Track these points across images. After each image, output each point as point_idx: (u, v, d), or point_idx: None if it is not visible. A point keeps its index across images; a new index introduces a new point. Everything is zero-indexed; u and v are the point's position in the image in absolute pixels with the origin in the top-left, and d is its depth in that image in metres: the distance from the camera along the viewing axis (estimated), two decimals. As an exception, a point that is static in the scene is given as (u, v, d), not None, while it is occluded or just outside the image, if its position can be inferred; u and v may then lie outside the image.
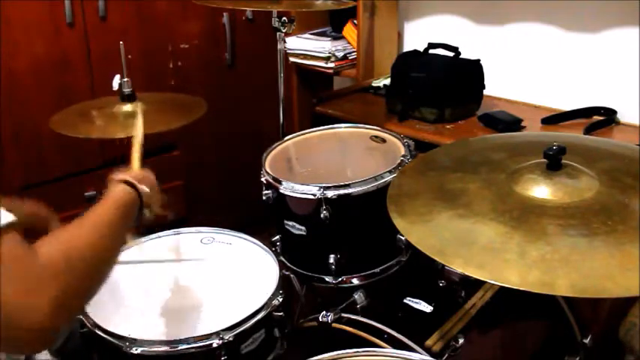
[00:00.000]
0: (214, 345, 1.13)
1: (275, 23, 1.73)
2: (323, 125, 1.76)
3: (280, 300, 1.24)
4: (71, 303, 0.77)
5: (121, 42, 1.62)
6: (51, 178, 2.09)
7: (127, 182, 1.01)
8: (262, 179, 1.51)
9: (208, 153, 2.48)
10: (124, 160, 1.83)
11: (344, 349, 1.07)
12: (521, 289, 0.83)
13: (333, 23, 2.57)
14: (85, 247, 0.82)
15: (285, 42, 1.81)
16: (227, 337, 1.13)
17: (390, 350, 1.14)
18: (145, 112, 1.64)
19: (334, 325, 1.32)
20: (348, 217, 1.43)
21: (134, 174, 1.05)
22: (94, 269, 0.84)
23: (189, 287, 1.30)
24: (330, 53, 2.37)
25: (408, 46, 2.53)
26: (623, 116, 1.96)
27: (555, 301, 1.42)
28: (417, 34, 2.49)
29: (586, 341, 1.35)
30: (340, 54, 2.39)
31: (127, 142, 1.27)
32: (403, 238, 1.45)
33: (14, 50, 1.93)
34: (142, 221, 1.03)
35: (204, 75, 2.38)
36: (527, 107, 2.14)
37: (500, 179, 1.07)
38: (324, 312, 1.32)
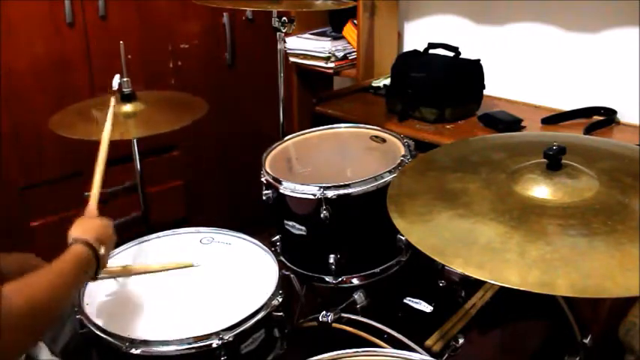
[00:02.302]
0: (214, 345, 1.13)
1: (275, 23, 1.73)
2: (323, 125, 1.76)
3: (280, 300, 1.24)
4: (28, 337, 0.95)
5: (121, 42, 1.62)
6: (51, 178, 2.09)
7: (88, 244, 1.09)
8: (262, 179, 1.51)
9: (208, 153, 2.48)
10: (124, 161, 1.84)
11: (344, 349, 1.07)
12: (521, 289, 0.83)
13: (333, 23, 2.57)
14: (47, 298, 0.96)
15: (285, 42, 1.81)
16: (227, 337, 1.13)
17: (390, 350, 1.13)
18: (144, 113, 1.65)
19: (334, 325, 1.31)
20: (348, 217, 1.43)
21: (95, 232, 1.12)
22: (51, 315, 0.99)
23: (189, 287, 1.30)
24: (330, 53, 2.37)
25: (408, 46, 2.53)
26: (623, 116, 1.96)
27: (555, 301, 1.42)
28: (417, 34, 2.49)
29: (586, 341, 1.35)
30: (340, 54, 2.39)
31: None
32: (403, 238, 1.45)
33: (14, 50, 1.93)
34: (97, 274, 1.14)
35: (204, 75, 2.38)
36: (527, 107, 2.14)
37: (500, 179, 1.07)
38: (324, 312, 1.32)
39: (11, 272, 1.16)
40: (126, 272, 1.34)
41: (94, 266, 1.10)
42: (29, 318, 0.91)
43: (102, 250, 1.11)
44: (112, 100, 1.50)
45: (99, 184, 1.27)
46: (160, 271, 1.35)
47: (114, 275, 1.33)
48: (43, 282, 0.97)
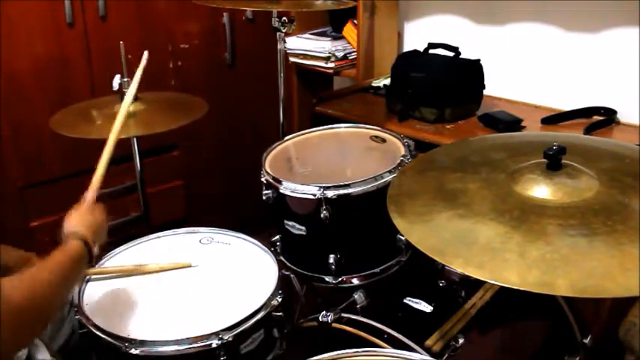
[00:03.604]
0: (214, 345, 1.13)
1: (275, 23, 1.73)
2: (323, 125, 1.76)
3: (279, 300, 1.24)
4: (27, 332, 0.95)
5: (121, 42, 1.62)
6: (51, 178, 2.09)
7: (81, 239, 1.10)
8: (262, 179, 1.51)
9: (208, 153, 2.48)
10: (124, 161, 1.84)
11: (344, 349, 1.07)
12: (521, 289, 0.83)
13: (333, 23, 2.57)
14: (46, 293, 0.97)
15: (285, 42, 1.81)
16: (226, 338, 1.13)
17: (390, 350, 1.13)
18: (145, 112, 1.65)
19: (334, 325, 1.31)
20: (348, 217, 1.43)
21: (91, 228, 1.13)
22: (49, 307, 1.00)
23: (189, 287, 1.30)
24: (330, 53, 2.37)
25: (408, 46, 2.53)
26: (623, 116, 1.96)
27: (555, 301, 1.42)
28: (417, 34, 2.49)
29: (586, 341, 1.35)
30: (340, 54, 2.39)
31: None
32: (403, 238, 1.45)
33: (14, 50, 1.93)
34: (91, 265, 1.15)
35: (204, 75, 2.38)
36: (527, 107, 2.14)
37: (500, 179, 1.07)
38: (324, 312, 1.32)
39: (13, 267, 1.16)
40: (124, 272, 1.34)
41: (86, 263, 1.11)
42: (29, 314, 0.91)
43: (95, 249, 1.13)
44: (128, 96, 1.49)
45: (101, 175, 1.26)
46: (158, 271, 1.35)
47: (112, 275, 1.33)
48: (42, 277, 0.97)
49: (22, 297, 0.90)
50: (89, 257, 1.11)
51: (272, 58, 1.81)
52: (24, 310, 0.89)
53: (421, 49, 2.11)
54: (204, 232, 1.49)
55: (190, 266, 1.35)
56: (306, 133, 1.73)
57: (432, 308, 1.34)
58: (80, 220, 1.14)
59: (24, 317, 0.90)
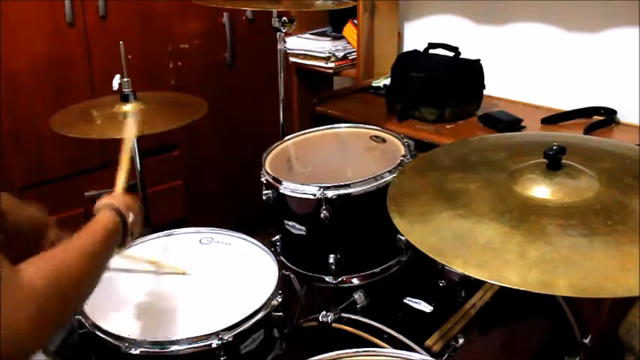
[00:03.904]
0: (213, 345, 1.12)
1: (275, 23, 1.73)
2: (323, 125, 1.76)
3: (279, 300, 1.24)
4: (52, 323, 0.80)
5: (121, 42, 1.62)
6: (51, 178, 2.09)
7: (115, 209, 1.04)
8: (262, 179, 1.51)
9: (208, 153, 2.49)
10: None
11: (344, 349, 1.07)
12: (521, 289, 0.83)
13: (333, 23, 2.57)
14: (72, 272, 0.85)
15: (285, 42, 1.81)
16: (226, 338, 1.13)
17: (390, 350, 1.13)
18: (145, 112, 1.65)
19: (334, 325, 1.31)
20: (348, 217, 1.43)
21: (121, 200, 1.07)
22: (79, 291, 0.89)
23: (188, 287, 1.30)
24: (330, 53, 2.37)
25: (408, 46, 2.53)
26: (623, 116, 1.96)
27: (555, 301, 1.42)
28: (417, 34, 2.49)
29: (586, 341, 1.35)
30: (340, 54, 2.39)
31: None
32: (403, 238, 1.45)
33: (14, 50, 1.93)
34: (124, 245, 1.07)
35: (204, 75, 2.38)
36: (527, 107, 2.14)
37: (500, 179, 1.07)
38: (324, 312, 1.32)
39: (29, 233, 1.09)
40: (123, 270, 1.34)
41: (121, 235, 1.04)
42: (54, 303, 0.80)
43: (130, 218, 1.05)
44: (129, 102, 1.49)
45: (125, 170, 1.22)
46: (152, 272, 1.34)
47: (112, 275, 1.33)
48: (70, 258, 0.86)
49: (47, 284, 0.79)
50: (125, 229, 1.04)
51: (272, 58, 1.81)
52: (49, 299, 0.78)
53: (421, 49, 2.11)
54: (204, 232, 1.49)
55: (184, 274, 1.34)
56: (306, 133, 1.73)
57: (432, 308, 1.34)
58: (109, 197, 1.07)
59: (48, 308, 0.78)
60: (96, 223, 0.99)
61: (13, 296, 0.74)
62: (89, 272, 0.90)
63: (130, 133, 1.40)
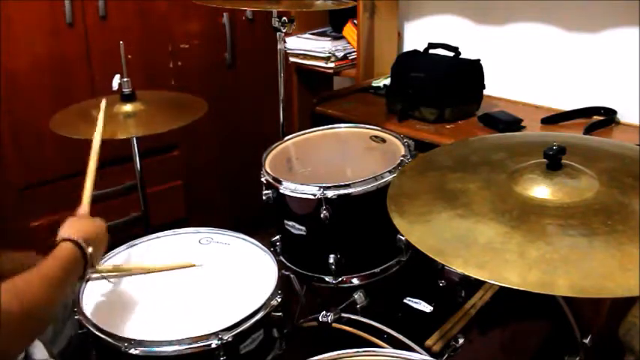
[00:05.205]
0: (213, 345, 1.12)
1: (275, 23, 1.73)
2: (323, 125, 1.76)
3: (279, 300, 1.23)
4: (22, 343, 0.94)
5: (121, 42, 1.62)
6: (51, 178, 2.09)
7: (74, 242, 1.07)
8: (262, 179, 1.51)
9: (208, 153, 2.48)
10: (124, 161, 1.84)
11: (344, 349, 1.07)
12: (521, 289, 0.83)
13: (333, 23, 2.57)
14: (39, 299, 0.94)
15: (285, 42, 1.81)
16: (226, 338, 1.13)
17: (390, 350, 1.13)
18: (145, 112, 1.65)
19: (334, 325, 1.31)
20: (348, 217, 1.43)
21: (82, 230, 1.10)
22: (44, 316, 0.98)
23: (188, 287, 1.30)
24: (330, 53, 2.37)
25: (408, 46, 2.53)
26: (623, 116, 1.96)
27: (555, 301, 1.42)
28: (417, 34, 2.49)
29: (586, 341, 1.35)
30: (340, 54, 2.39)
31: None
32: (403, 238, 1.45)
33: (14, 50, 1.93)
34: (84, 277, 1.13)
35: (204, 75, 2.38)
36: (527, 107, 2.14)
37: (500, 179, 1.07)
38: (324, 312, 1.32)
39: (13, 270, 1.15)
40: (124, 272, 1.34)
41: (82, 265, 1.08)
42: (24, 321, 0.90)
43: (90, 249, 1.09)
44: (103, 102, 1.50)
45: (91, 184, 1.26)
46: (161, 270, 1.35)
47: (112, 275, 1.33)
48: (34, 283, 0.95)
49: (19, 305, 0.89)
50: (84, 260, 1.08)
51: (272, 58, 1.81)
52: (21, 318, 0.88)
53: (421, 49, 2.11)
54: (204, 232, 1.49)
55: (194, 265, 1.35)
56: (306, 133, 1.73)
57: (432, 308, 1.34)
58: (71, 226, 1.12)
59: (20, 325, 0.89)
60: (55, 256, 1.04)
61: None
62: (51, 299, 0.98)
63: (97, 133, 1.37)
